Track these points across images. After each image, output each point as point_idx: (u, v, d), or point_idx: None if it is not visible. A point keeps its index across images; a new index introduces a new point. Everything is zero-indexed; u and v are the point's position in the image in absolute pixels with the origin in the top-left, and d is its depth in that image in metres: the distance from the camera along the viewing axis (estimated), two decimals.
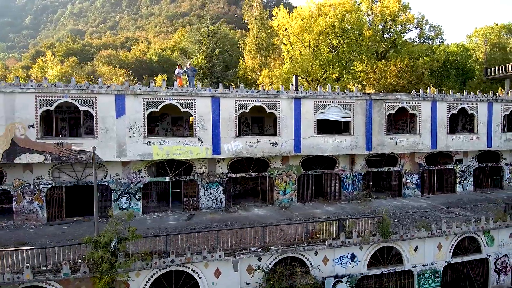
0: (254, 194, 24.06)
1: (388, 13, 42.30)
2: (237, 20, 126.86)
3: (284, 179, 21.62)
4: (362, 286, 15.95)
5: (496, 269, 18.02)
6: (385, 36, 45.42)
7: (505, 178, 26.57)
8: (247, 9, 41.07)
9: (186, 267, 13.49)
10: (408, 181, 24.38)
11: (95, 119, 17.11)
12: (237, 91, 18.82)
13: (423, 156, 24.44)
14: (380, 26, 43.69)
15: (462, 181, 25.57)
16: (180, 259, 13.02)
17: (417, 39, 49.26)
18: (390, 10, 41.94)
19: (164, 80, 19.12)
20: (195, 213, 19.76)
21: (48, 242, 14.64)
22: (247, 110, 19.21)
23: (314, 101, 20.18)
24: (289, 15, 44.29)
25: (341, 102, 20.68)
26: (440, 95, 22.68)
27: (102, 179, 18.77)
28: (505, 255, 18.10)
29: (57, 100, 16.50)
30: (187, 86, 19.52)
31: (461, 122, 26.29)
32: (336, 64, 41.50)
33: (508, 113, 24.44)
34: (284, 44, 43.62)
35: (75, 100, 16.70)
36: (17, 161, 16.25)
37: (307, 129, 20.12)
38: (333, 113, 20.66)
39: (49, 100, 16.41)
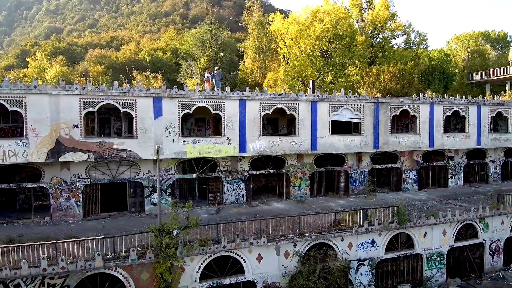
0: (267, 190, 25.74)
1: (378, 21, 45.13)
2: (221, 21, 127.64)
3: (299, 175, 23.46)
4: (380, 268, 18.02)
5: (491, 252, 20.62)
6: (374, 41, 48.26)
7: (490, 173, 29.60)
8: (247, 14, 42.67)
9: (234, 252, 15.05)
10: (407, 176, 26.83)
11: (134, 120, 18.27)
12: (262, 95, 20.48)
13: (420, 154, 26.96)
14: (370, 32, 46.47)
15: (453, 176, 28.33)
16: (231, 244, 14.56)
17: (403, 45, 52.48)
18: (380, 17, 44.76)
19: (197, 84, 20.42)
20: (220, 207, 21.22)
21: (96, 235, 15.70)
22: (270, 112, 20.91)
23: (329, 104, 22.16)
24: (284, 20, 46.28)
25: (352, 104, 22.78)
26: (437, 99, 25.26)
27: (135, 177, 19.92)
28: (498, 239, 20.75)
29: (100, 102, 17.57)
30: (212, 89, 20.96)
31: (452, 123, 29.05)
32: (330, 68, 43.78)
33: (494, 115, 27.39)
34: (279, 48, 45.53)
35: (117, 102, 17.82)
36: (61, 159, 17.18)
37: (323, 129, 22.07)
38: (345, 115, 22.72)
39: (92, 102, 17.45)
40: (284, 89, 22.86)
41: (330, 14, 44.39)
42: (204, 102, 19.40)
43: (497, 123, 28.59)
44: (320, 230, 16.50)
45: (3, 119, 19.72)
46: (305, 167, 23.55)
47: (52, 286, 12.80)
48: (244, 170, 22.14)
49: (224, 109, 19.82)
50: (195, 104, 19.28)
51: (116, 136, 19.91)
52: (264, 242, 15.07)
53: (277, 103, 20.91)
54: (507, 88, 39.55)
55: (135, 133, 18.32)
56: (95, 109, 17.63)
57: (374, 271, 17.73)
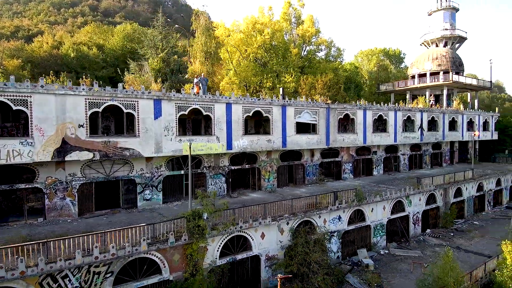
0: (240, 183, 28.61)
1: (307, 35, 51.86)
2: (135, 16, 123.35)
3: (268, 169, 27.16)
4: (344, 238, 22.92)
5: (413, 222, 27.57)
6: (302, 53, 54.97)
7: (401, 164, 37.94)
8: (195, 19, 44.59)
9: (245, 232, 17.93)
10: (345, 168, 32.92)
11: (136, 120, 19.46)
12: (245, 99, 23.55)
13: (354, 149, 33.34)
14: (300, 45, 52.97)
15: (376, 167, 35.62)
16: (246, 225, 17.44)
17: (323, 57, 60.61)
18: (309, 33, 51.52)
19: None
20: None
21: (106, 229, 16.69)
22: (250, 114, 24.10)
23: (295, 108, 26.41)
24: (225, 28, 49.61)
25: (311, 109, 27.48)
26: (369, 105, 31.85)
27: (128, 174, 20.91)
28: (417, 212, 27.83)
29: (105, 102, 18.37)
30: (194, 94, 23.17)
31: (375, 124, 36.35)
32: (269, 75, 48.65)
33: (405, 118, 35.48)
34: (221, 53, 48.56)
35: (121, 103, 18.82)
36: (67, 158, 17.49)
37: (290, 129, 26.20)
38: (306, 117, 27.28)
39: (97, 102, 18.16)
40: (247, 94, 26.24)
41: (267, 26, 49.33)
42: (198, 104, 21.58)
43: (406, 124, 36.92)
44: (305, 210, 20.48)
45: (2, 119, 18.67)
46: (273, 162, 27.36)
47: (97, 274, 13.89)
48: (225, 165, 24.83)
49: (214, 111, 22.29)
50: (189, 106, 21.32)
51: (118, 135, 20.49)
52: (269, 221, 18.33)
53: (256, 107, 24.25)
54: (407, 97, 50.10)
55: (137, 132, 19.52)
56: (100, 109, 18.33)
57: (340, 240, 22.52)
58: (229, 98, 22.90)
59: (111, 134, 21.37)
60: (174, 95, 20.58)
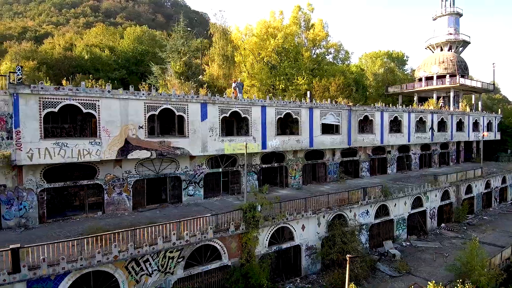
0: (268, 181, 30.26)
1: (318, 39, 53.83)
2: (136, 17, 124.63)
3: (294, 167, 29.02)
4: (371, 230, 24.83)
5: (430, 216, 29.59)
6: (313, 56, 56.91)
7: (412, 163, 40.01)
8: (214, 24, 46.39)
9: (289, 224, 19.77)
10: (363, 166, 34.88)
11: (186, 122, 21.21)
12: (277, 102, 25.41)
13: (371, 149, 35.31)
14: (311, 48, 54.93)
15: (390, 166, 37.64)
16: (291, 217, 19.28)
17: (331, 60, 62.61)
18: (319, 36, 53.50)
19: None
20: (240, 196, 25.30)
21: (163, 221, 18.43)
22: (282, 116, 25.95)
23: (320, 110, 28.31)
24: (240, 31, 51.50)
25: (335, 111, 29.40)
26: (386, 107, 33.89)
27: (174, 171, 22.63)
28: (434, 207, 29.86)
29: (161, 106, 20.10)
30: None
31: (391, 125, 38.14)
32: (282, 77, 50.52)
33: (418, 119, 37.54)
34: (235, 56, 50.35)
35: (173, 107, 20.57)
36: (129, 157, 19.21)
37: (316, 130, 28.09)
38: (330, 119, 29.19)
39: (154, 106, 19.89)
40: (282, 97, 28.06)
41: (279, 30, 51.23)
42: (237, 107, 23.39)
43: (418, 125, 38.97)
44: (339, 205, 22.38)
45: (61, 121, 20.32)
46: (299, 160, 29.22)
47: (172, 258, 15.64)
48: (257, 164, 26.63)
49: (251, 113, 24.10)
50: (230, 109, 23.12)
51: (170, 135, 22.16)
52: (310, 214, 20.20)
53: (287, 109, 26.10)
54: (415, 99, 52.27)
55: (186, 133, 21.27)
56: (156, 112, 20.07)
57: (368, 232, 24.43)
58: (264, 101, 24.72)
59: (163, 135, 22.92)
60: (218, 99, 22.36)
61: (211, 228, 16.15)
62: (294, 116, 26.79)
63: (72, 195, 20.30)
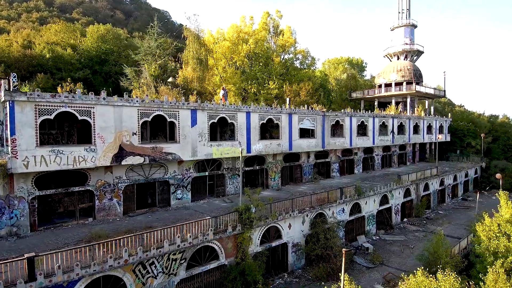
0: (249, 183, 31.45)
1: (287, 45, 56.13)
2: (94, 13, 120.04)
3: (274, 169, 30.56)
4: (347, 226, 27.04)
5: (395, 212, 32.60)
6: (281, 62, 59.07)
7: (375, 163, 43.38)
8: (186, 28, 46.62)
9: (278, 223, 21.19)
10: (334, 167, 37.35)
11: (177, 128, 21.82)
12: (261, 108, 26.76)
13: (340, 151, 37.91)
14: (280, 54, 57.08)
15: (357, 166, 40.58)
16: (281, 216, 20.72)
17: (298, 65, 65.26)
18: (288, 43, 55.81)
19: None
20: (225, 198, 26.32)
21: (156, 226, 19.06)
22: (264, 121, 27.34)
23: (298, 116, 30.12)
24: (212, 36, 52.29)
25: (311, 116, 31.38)
26: (354, 113, 36.59)
27: (163, 176, 23.12)
28: (398, 204, 32.93)
29: (153, 112, 20.57)
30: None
31: (358, 129, 41.21)
32: (253, 82, 52.05)
33: (381, 124, 40.86)
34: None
35: (165, 113, 21.12)
36: (123, 163, 19.48)
37: (295, 134, 29.85)
38: (307, 124, 31.12)
39: (147, 112, 20.33)
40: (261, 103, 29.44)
41: (251, 35, 52.73)
42: (224, 113, 24.39)
43: (381, 129, 42.34)
44: (320, 204, 24.23)
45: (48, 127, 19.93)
46: (278, 163, 30.82)
47: (175, 260, 16.37)
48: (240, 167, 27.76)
49: (237, 119, 25.22)
50: (218, 115, 24.07)
51: (162, 141, 22.48)
52: (296, 213, 21.79)
53: (269, 115, 27.56)
54: (376, 104, 56.30)
55: (177, 138, 21.89)
56: (149, 119, 20.49)
57: (344, 228, 26.61)
58: (249, 107, 25.97)
59: (155, 141, 23.23)
60: (207, 105, 23.21)
61: (211, 230, 17.09)
62: (275, 122, 28.32)
63: (62, 201, 20.03)
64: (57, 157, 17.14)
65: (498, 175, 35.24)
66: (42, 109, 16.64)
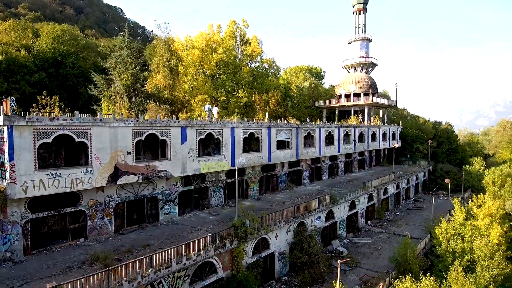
0: (231, 194, 32.61)
1: (254, 55, 57.92)
2: (41, 8, 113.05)
3: (253, 180, 32.02)
4: (323, 232, 29.30)
5: (361, 216, 35.68)
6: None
7: (340, 169, 46.62)
8: (156, 34, 46.31)
9: (266, 235, 22.67)
10: (304, 175, 39.74)
11: (168, 145, 22.37)
12: (243, 123, 28.04)
13: (310, 160, 40.43)
14: (248, 63, 58.67)
15: (324, 173, 43.45)
16: (271, 228, 22.20)
17: (263, 75, 67.19)
18: (255, 52, 57.64)
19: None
20: (210, 210, 27.24)
21: (150, 241, 19.69)
22: (247, 135, 28.67)
23: (276, 129, 31.87)
24: (181, 43, 52.47)
25: (287, 129, 33.32)
26: (323, 124, 39.28)
27: (152, 192, 23.50)
28: (363, 208, 36.08)
29: (146, 132, 20.96)
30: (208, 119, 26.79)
31: (326, 139, 44.09)
32: (223, 90, 53.04)
33: (345, 133, 44.13)
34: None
35: (157, 131, 21.59)
36: (118, 182, 19.68)
37: (273, 146, 31.57)
38: (283, 136, 33.00)
39: (141, 132, 20.68)
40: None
41: (219, 44, 53.66)
42: (211, 129, 25.33)
43: (345, 138, 45.67)
44: (302, 213, 26.14)
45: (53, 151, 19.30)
46: (256, 173, 32.32)
47: (179, 277, 17.13)
48: (223, 179, 28.83)
49: (222, 134, 26.27)
50: (206, 131, 24.94)
51: (155, 159, 22.67)
52: (283, 224, 23.44)
53: (251, 129, 28.94)
54: (337, 112, 60.13)
55: (168, 156, 22.43)
56: (143, 138, 20.84)
57: (321, 234, 28.84)
58: (234, 122, 27.14)
59: (148, 159, 23.30)
60: (196, 122, 24.01)
61: (212, 246, 18.08)
62: (256, 135, 29.77)
63: (54, 223, 19.62)
64: (55, 180, 17.03)
65: (447, 180, 40.05)
66: (40, 132, 16.47)
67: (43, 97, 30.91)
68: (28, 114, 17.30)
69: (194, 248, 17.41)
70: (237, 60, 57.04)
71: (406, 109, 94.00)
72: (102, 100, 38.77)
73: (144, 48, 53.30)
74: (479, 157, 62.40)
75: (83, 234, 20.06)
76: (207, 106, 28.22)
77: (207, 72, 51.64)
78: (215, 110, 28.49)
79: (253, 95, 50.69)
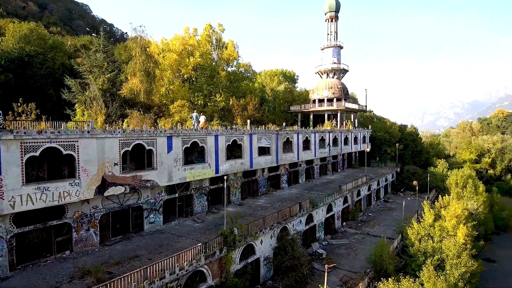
0: (214, 200, 32.86)
1: (231, 59, 58.49)
2: (2, 3, 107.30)
3: (235, 186, 32.60)
4: (303, 235, 30.43)
5: (337, 218, 37.27)
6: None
7: (315, 172, 48.25)
8: (132, 39, 45.50)
9: (253, 241, 23.36)
10: (283, 179, 40.84)
11: (154, 155, 22.45)
12: (226, 131, 28.55)
13: (288, 164, 41.59)
14: (225, 67, 59.10)
15: (301, 176, 44.79)
16: (257, 234, 22.91)
17: (239, 78, 67.80)
18: (232, 57, 58.22)
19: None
20: (194, 217, 27.52)
21: (141, 251, 19.86)
22: (230, 143, 29.20)
23: (257, 136, 32.65)
24: (156, 45, 51.99)
25: (267, 135, 34.19)
26: (301, 130, 40.56)
27: (137, 202, 23.47)
28: (339, 210, 37.70)
29: (133, 142, 20.97)
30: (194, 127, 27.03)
31: (303, 144, 45.38)
32: (200, 94, 53.13)
33: (320, 138, 45.74)
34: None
35: (144, 142, 21.63)
36: (106, 194, 19.57)
37: (255, 153, 32.31)
38: (264, 142, 33.85)
39: (128, 142, 20.66)
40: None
41: (196, 48, 53.67)
42: (196, 138, 25.64)
43: (320, 143, 47.29)
44: (285, 219, 27.08)
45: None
46: (238, 179, 32.92)
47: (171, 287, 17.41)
48: (206, 186, 29.18)
49: (207, 142, 26.64)
50: (191, 140, 25.21)
51: (141, 169, 22.53)
52: (267, 230, 24.24)
53: (234, 137, 29.50)
54: (311, 117, 61.95)
55: (155, 165, 22.52)
56: (129, 148, 20.82)
57: (301, 237, 29.95)
58: (217, 131, 27.59)
59: (135, 170, 23.14)
60: (182, 131, 24.23)
61: (203, 255, 18.51)
62: (239, 142, 30.36)
63: (38, 236, 19.15)
64: (43, 194, 16.76)
65: (415, 182, 42.65)
66: (27, 146, 16.16)
67: (19, 104, 29.78)
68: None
69: (186, 258, 17.75)
70: (214, 64, 57.29)
71: (372, 111, 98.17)
72: (77, 104, 37.77)
73: (114, 47, 51.95)
74: (442, 159, 66.61)
75: (68, 247, 19.75)
76: (194, 114, 28.44)
77: (184, 76, 51.51)
78: (202, 118, 28.77)
79: (231, 99, 51.20)
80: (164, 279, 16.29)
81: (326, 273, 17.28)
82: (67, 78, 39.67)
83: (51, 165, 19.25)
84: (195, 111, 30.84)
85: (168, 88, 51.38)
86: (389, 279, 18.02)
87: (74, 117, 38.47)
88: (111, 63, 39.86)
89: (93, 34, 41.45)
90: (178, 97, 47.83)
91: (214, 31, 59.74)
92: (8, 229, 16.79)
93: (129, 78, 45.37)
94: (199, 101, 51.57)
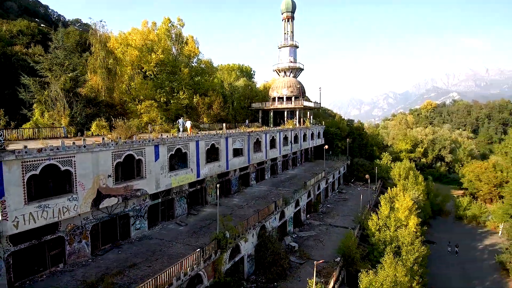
0: (193, 202, 33.62)
1: (192, 55, 58.43)
2: None
3: (211, 186, 33.86)
4: (279, 231, 32.89)
5: (303, 211, 40.38)
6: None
7: (278, 168, 51.02)
8: (92, 34, 43.39)
9: (239, 242, 25.12)
10: (251, 176, 42.88)
11: (143, 164, 22.91)
12: (207, 136, 29.59)
13: (257, 163, 43.65)
14: (186, 64, 58.82)
15: (267, 173, 47.24)
16: (242, 235, 24.69)
17: (199, 74, 67.73)
18: (193, 53, 58.21)
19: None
20: (176, 220, 28.43)
21: (139, 260, 20.68)
22: (209, 147, 30.29)
23: (232, 138, 34.08)
24: (115, 40, 50.26)
25: (241, 137, 35.77)
26: (269, 130, 42.69)
27: (124, 210, 23.82)
28: (304, 204, 40.84)
29: (124, 153, 21.28)
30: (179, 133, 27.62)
31: (270, 143, 47.64)
32: (162, 90, 52.57)
33: (283, 137, 48.40)
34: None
35: (134, 152, 22.01)
36: (101, 206, 19.83)
37: (230, 155, 33.76)
38: (238, 144, 35.40)
39: (120, 154, 20.94)
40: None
41: (156, 43, 52.74)
42: (180, 144, 26.39)
43: (284, 141, 50.01)
44: (264, 217, 29.17)
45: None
46: (214, 180, 34.19)
47: None
48: (186, 189, 30.08)
49: (189, 148, 27.50)
50: (175, 147, 25.92)
51: (132, 179, 22.60)
52: (251, 230, 26.14)
53: (212, 141, 30.63)
54: (271, 114, 64.44)
55: (144, 174, 23.01)
56: (121, 160, 21.10)
57: (277, 233, 32.35)
58: (199, 136, 28.52)
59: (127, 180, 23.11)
60: (167, 139, 24.85)
61: (202, 260, 19.87)
62: (216, 146, 31.55)
63: (33, 252, 18.79)
64: (44, 212, 16.75)
65: (367, 176, 47.38)
66: (28, 165, 16.00)
67: None
68: None
69: (188, 264, 18.98)
70: (175, 60, 56.69)
71: (324, 107, 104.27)
72: (35, 105, 35.75)
73: (50, 32, 48.26)
74: (385, 152, 73.70)
75: (61, 260, 19.75)
76: (180, 120, 28.94)
77: (147, 73, 50.44)
78: (188, 123, 29.32)
79: (195, 97, 51.47)
80: (172, 286, 17.42)
81: (315, 268, 19.72)
82: (24, 77, 37.01)
83: (48, 182, 18.95)
84: (181, 117, 31.19)
85: (128, 84, 50.10)
86: (370, 271, 21.09)
87: (31, 117, 36.47)
88: (73, 62, 37.95)
89: (36, 19, 38.74)
90: (141, 94, 47.06)
91: (173, 26, 58.90)
92: (5, 248, 16.53)
93: (88, 75, 43.51)
94: (161, 99, 51.03)
